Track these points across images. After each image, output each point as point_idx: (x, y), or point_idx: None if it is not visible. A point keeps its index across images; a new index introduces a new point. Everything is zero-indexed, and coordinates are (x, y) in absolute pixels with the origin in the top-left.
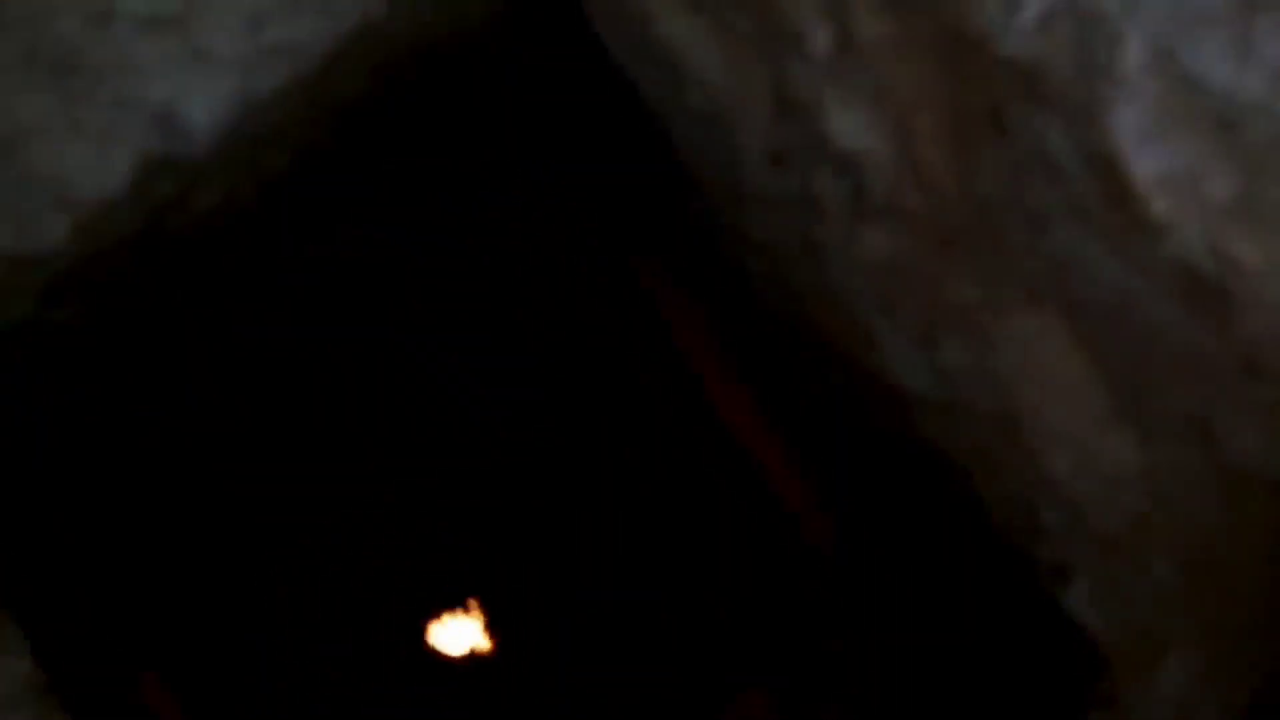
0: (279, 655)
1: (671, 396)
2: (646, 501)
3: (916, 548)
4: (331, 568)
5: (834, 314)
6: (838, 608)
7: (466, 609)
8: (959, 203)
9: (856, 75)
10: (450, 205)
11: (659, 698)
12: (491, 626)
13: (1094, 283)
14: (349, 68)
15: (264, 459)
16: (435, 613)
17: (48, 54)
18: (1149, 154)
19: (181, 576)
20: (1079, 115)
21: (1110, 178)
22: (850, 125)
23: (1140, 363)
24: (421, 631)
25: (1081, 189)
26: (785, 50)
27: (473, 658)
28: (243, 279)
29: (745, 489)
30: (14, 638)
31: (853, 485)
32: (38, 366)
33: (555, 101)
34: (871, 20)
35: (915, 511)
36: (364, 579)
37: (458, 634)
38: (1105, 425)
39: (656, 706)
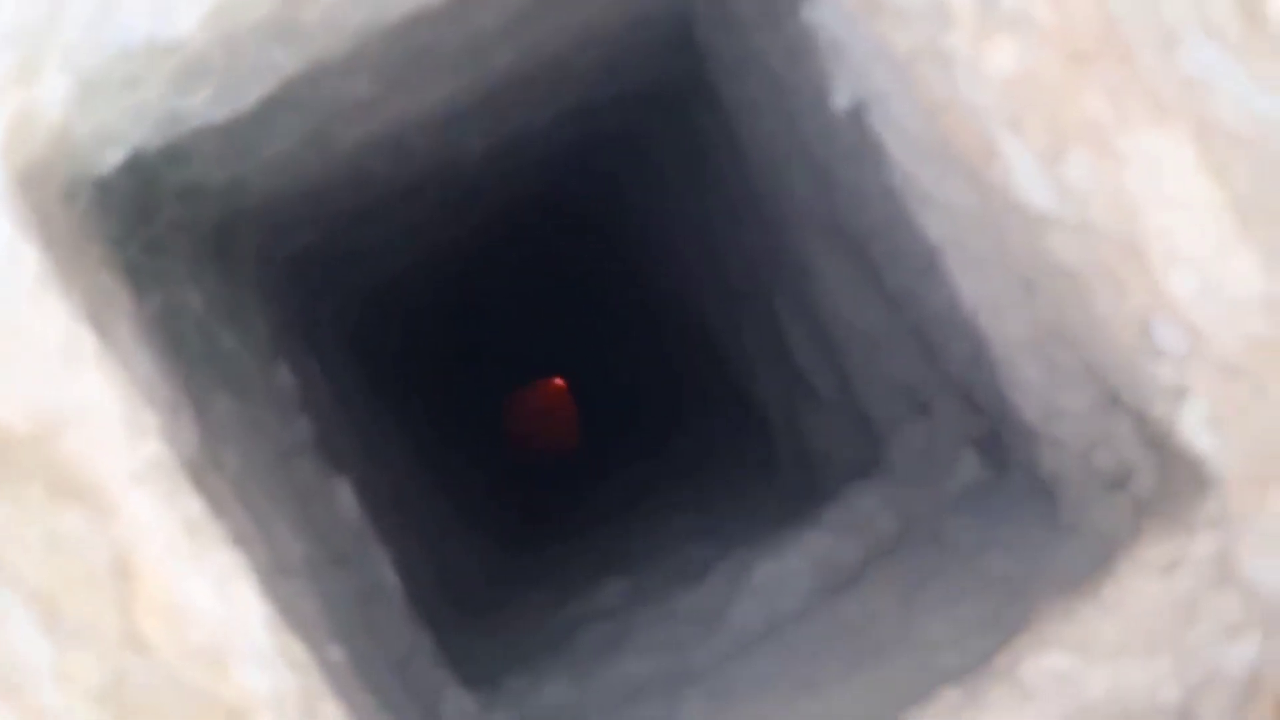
0: None
1: None
2: None
3: None
4: None
5: (961, 127)
6: None
7: None
8: (1091, 16)
9: None
10: None
11: None
12: None
13: (1224, 104)
14: None
15: None
16: None
17: None
18: None
19: None
20: None
21: None
22: None
23: (1267, 188)
24: None
25: (1217, 5)
26: None
27: None
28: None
29: None
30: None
31: None
32: None
33: None
34: None
35: None
36: None
37: None
38: (1229, 249)
39: None
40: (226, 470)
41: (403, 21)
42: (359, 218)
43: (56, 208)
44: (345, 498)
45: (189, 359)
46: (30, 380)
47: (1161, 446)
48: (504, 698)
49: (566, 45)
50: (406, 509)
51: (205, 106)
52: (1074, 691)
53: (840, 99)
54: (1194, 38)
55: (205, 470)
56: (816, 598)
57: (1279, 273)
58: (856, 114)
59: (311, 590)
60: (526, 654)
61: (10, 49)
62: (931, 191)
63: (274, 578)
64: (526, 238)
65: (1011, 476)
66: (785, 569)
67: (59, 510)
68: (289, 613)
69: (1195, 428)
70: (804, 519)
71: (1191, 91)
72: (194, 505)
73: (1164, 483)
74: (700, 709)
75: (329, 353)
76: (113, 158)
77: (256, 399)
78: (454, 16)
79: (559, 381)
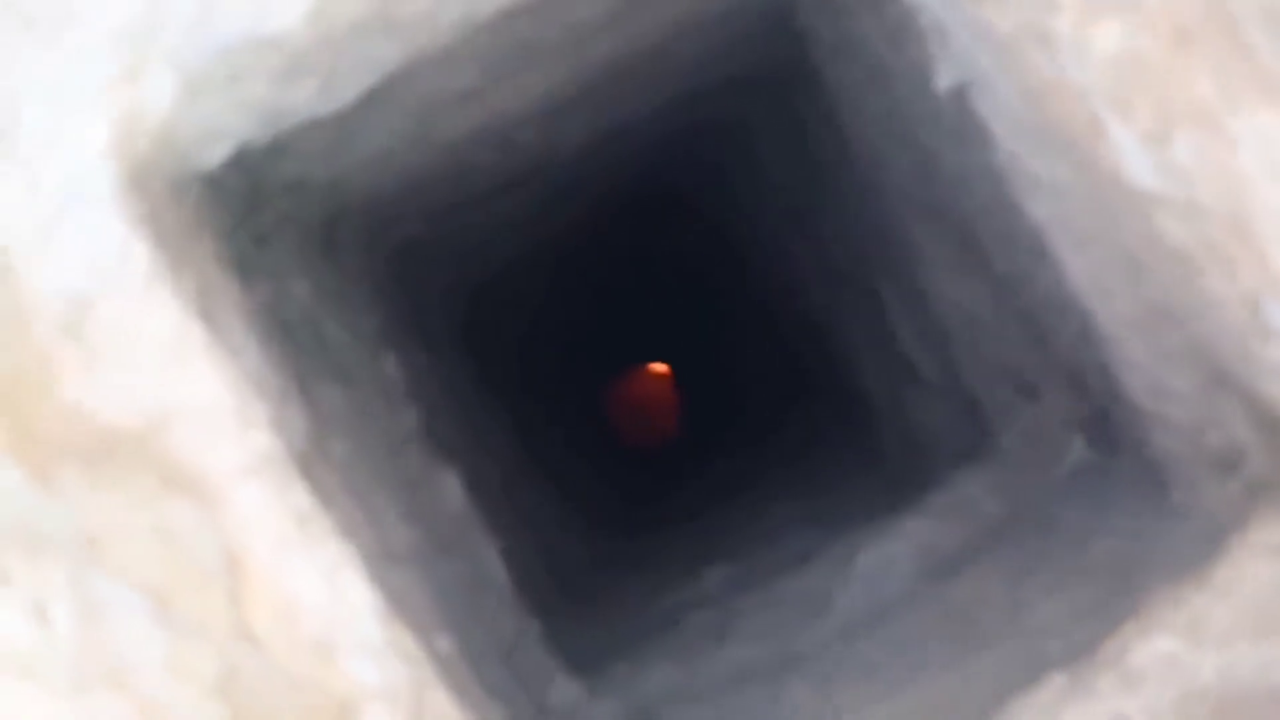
0: None
1: None
2: None
3: None
4: None
5: (1067, 108)
6: None
7: None
8: None
9: None
10: None
11: None
12: None
13: None
14: None
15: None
16: None
17: None
18: None
19: None
20: None
21: None
22: None
23: None
24: None
25: None
26: None
27: None
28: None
29: None
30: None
31: None
32: None
33: None
34: None
35: None
36: None
37: None
38: None
39: None
40: (335, 461)
41: (500, 14)
42: (462, 209)
43: (165, 204)
44: (453, 486)
45: (297, 350)
46: (141, 375)
47: (1272, 427)
48: (609, 684)
49: (666, 34)
50: (512, 496)
51: (308, 101)
52: (1185, 677)
53: (943, 81)
54: None
55: (314, 461)
56: (922, 584)
57: None
58: (959, 96)
59: (420, 580)
60: (631, 641)
61: (115, 51)
62: (1037, 172)
63: (383, 568)
64: (628, 226)
65: (1120, 460)
66: (891, 555)
67: (169, 503)
68: (398, 603)
69: None
70: (910, 504)
71: None
72: (303, 497)
73: (1275, 464)
74: (805, 694)
75: (435, 343)
76: (219, 154)
77: (365, 389)
78: (552, 8)
79: (662, 368)
